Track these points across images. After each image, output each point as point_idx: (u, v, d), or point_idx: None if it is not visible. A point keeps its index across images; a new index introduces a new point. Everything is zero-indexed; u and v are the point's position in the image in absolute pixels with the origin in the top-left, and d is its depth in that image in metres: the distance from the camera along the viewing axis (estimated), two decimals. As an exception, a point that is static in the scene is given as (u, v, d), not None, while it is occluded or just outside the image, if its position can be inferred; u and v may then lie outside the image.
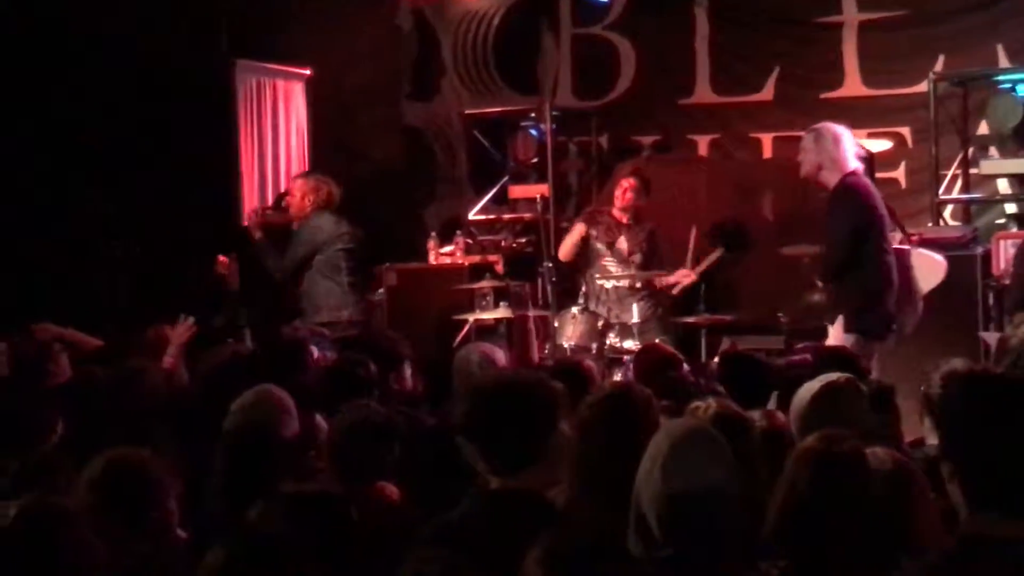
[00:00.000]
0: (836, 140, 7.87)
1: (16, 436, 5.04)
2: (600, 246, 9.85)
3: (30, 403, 5.38)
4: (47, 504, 3.40)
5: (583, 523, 3.51)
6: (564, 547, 2.79)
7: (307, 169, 11.63)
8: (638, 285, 9.77)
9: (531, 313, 9.98)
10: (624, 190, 9.85)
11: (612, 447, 3.75)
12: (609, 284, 9.76)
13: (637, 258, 9.81)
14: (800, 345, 8.71)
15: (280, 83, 11.66)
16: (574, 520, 3.60)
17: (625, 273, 9.75)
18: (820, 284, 8.58)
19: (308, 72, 11.80)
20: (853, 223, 7.75)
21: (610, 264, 9.84)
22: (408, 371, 6.57)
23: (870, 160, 10.56)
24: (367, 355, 6.03)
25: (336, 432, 4.67)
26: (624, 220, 9.85)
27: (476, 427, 3.76)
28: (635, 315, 9.44)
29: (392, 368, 6.27)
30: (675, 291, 9.83)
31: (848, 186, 7.82)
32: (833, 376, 4.73)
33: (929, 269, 8.24)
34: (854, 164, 7.91)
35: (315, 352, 6.90)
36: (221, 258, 9.35)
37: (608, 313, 9.58)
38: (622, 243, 9.84)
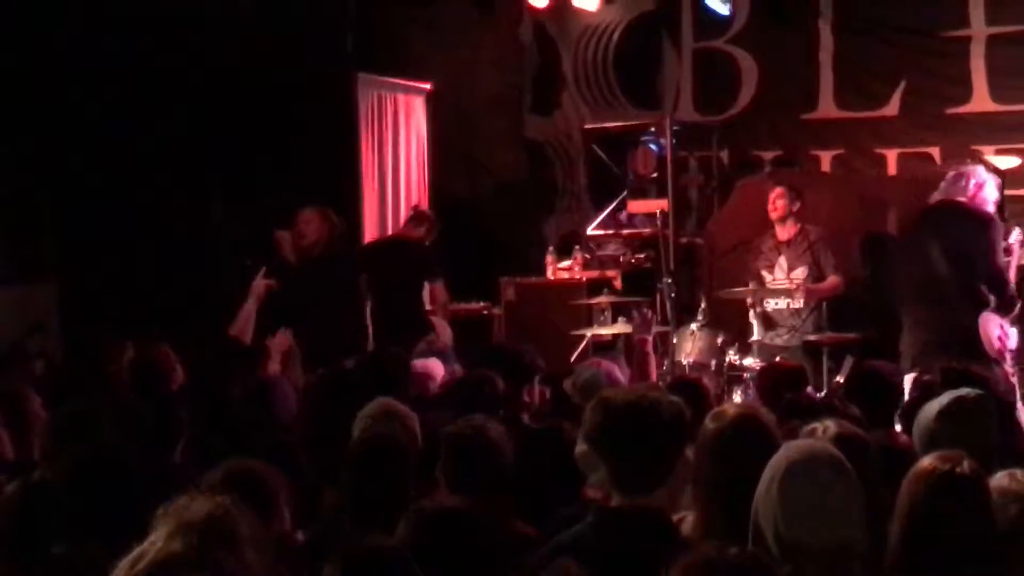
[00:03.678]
0: None
1: (151, 440, 5.09)
2: (765, 273, 9.60)
3: (161, 408, 5.43)
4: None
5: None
6: (706, 564, 2.74)
7: (427, 184, 11.74)
8: (798, 305, 9.54)
9: (649, 335, 9.79)
10: (772, 200, 9.64)
11: (741, 472, 3.69)
12: (770, 307, 9.55)
13: (800, 273, 9.48)
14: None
15: (401, 97, 11.74)
16: (707, 541, 3.54)
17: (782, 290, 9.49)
18: None
19: (429, 87, 11.87)
20: None
21: (773, 286, 9.53)
22: (538, 386, 6.53)
23: (998, 177, 10.36)
24: (499, 368, 5.98)
25: (441, 447, 4.66)
26: (784, 237, 9.60)
27: (610, 441, 3.71)
28: (755, 333, 9.31)
29: (526, 382, 6.22)
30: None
31: None
32: (962, 391, 4.62)
33: None
34: None
35: (441, 368, 6.89)
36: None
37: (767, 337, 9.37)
38: (782, 262, 9.61)
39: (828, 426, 4.09)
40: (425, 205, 11.38)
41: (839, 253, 9.82)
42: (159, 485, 3.95)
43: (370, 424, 5.02)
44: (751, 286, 9.54)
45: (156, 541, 2.78)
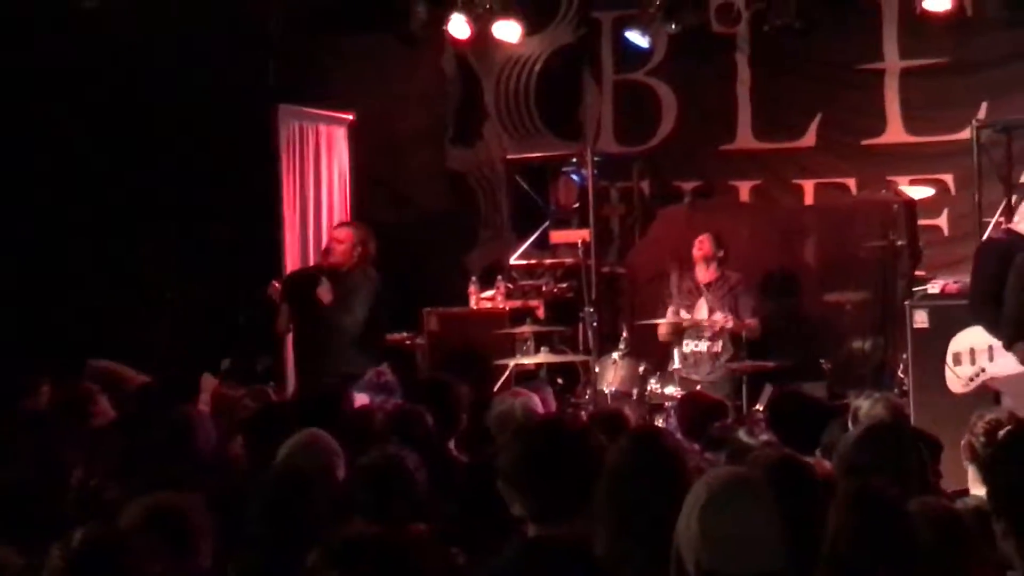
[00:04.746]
0: None
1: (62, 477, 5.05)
2: (684, 314, 9.83)
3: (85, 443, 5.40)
4: (106, 531, 3.45)
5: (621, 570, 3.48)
6: None
7: (349, 215, 11.69)
8: (717, 349, 9.72)
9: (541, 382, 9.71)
10: (699, 241, 9.87)
11: (636, 489, 3.73)
12: (688, 349, 9.73)
13: (719, 317, 9.69)
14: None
15: (323, 128, 11.70)
16: (612, 568, 3.57)
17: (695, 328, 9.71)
18: None
19: (351, 117, 11.85)
20: None
21: (691, 331, 9.78)
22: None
23: (912, 207, 10.54)
24: (431, 404, 6.03)
25: (353, 475, 4.68)
26: (704, 280, 9.83)
27: (521, 472, 3.72)
28: (676, 361, 9.40)
29: (454, 419, 6.26)
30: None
31: None
32: (877, 419, 4.70)
33: None
34: None
35: (365, 399, 6.91)
36: (274, 283, 9.44)
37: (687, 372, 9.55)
38: (701, 304, 9.80)
39: (767, 453, 4.14)
40: (348, 236, 11.35)
41: (757, 282, 9.97)
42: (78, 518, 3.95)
43: (287, 456, 5.02)
44: (668, 316, 9.70)
45: None
